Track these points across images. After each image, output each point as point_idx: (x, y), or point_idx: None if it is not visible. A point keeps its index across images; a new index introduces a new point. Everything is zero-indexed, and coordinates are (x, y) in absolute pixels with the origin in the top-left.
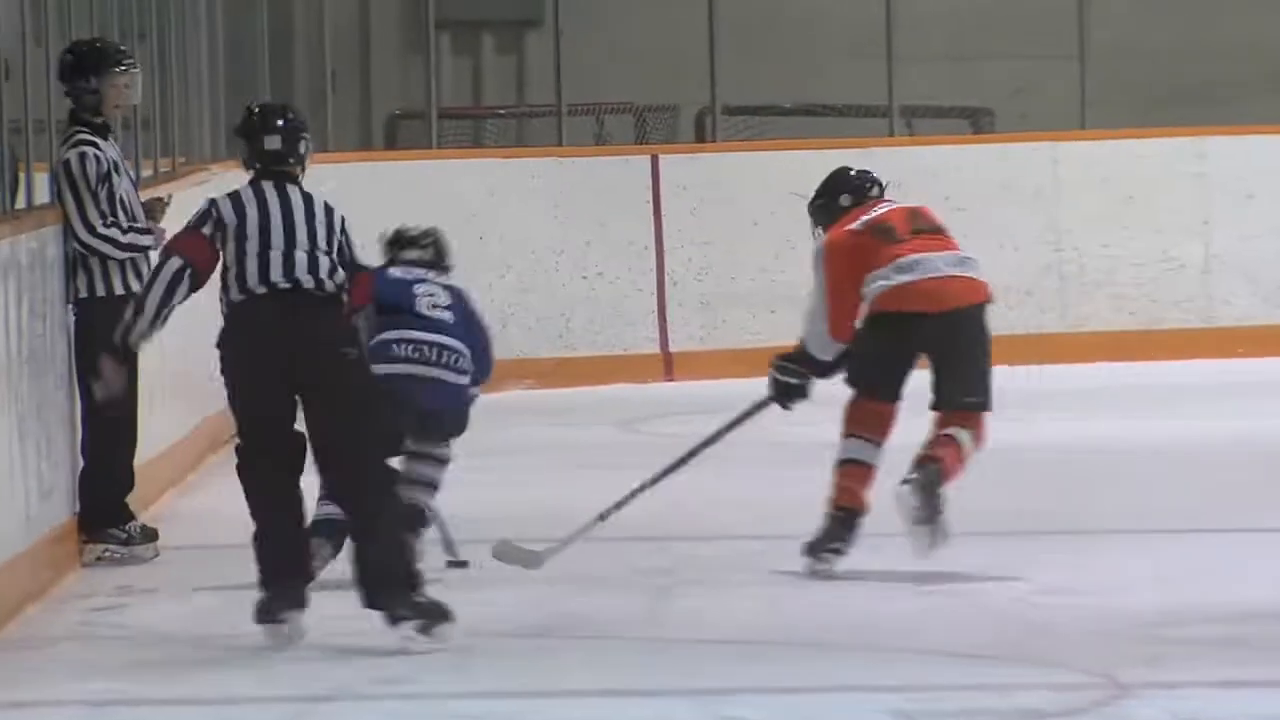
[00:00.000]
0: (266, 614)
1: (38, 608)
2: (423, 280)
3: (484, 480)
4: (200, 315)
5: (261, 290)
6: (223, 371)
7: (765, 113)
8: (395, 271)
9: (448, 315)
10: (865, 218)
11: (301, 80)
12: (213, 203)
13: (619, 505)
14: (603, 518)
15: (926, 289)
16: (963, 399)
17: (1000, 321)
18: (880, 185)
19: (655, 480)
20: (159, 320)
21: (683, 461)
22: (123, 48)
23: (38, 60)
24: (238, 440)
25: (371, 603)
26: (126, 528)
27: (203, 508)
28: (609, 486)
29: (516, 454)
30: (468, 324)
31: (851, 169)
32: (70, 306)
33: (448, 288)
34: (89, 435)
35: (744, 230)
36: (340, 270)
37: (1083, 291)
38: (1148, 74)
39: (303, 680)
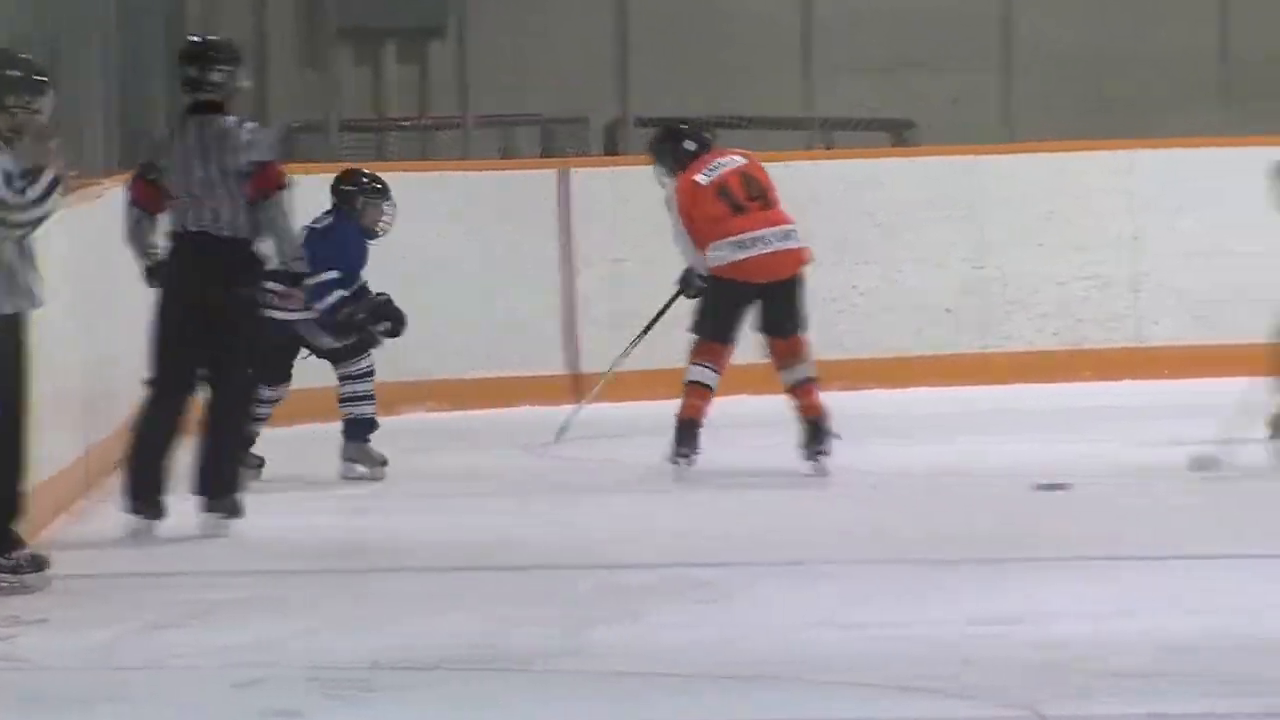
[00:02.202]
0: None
1: None
2: None
3: (382, 506)
4: (87, 338)
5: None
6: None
7: None
8: None
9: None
10: (709, 174)
11: None
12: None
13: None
14: (578, 408)
15: (762, 264)
16: (789, 328)
17: (920, 340)
18: (713, 136)
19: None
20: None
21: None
22: None
23: None
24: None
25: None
26: (14, 555)
27: (94, 535)
28: (513, 512)
29: (417, 479)
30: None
31: (684, 122)
32: None
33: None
34: None
35: (658, 246)
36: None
37: (1005, 310)
38: (1075, 85)
39: (195, 714)
